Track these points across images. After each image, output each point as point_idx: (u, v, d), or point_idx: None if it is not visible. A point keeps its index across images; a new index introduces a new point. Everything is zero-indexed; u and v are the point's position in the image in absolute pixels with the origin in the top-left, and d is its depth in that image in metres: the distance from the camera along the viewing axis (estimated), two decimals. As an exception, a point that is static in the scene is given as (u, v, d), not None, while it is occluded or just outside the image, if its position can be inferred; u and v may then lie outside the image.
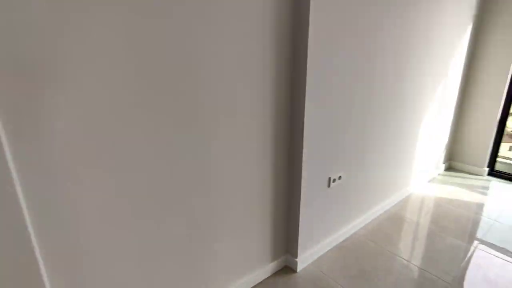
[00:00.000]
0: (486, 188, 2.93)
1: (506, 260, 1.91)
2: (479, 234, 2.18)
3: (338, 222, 2.03)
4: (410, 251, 2.01)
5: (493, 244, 2.06)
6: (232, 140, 1.35)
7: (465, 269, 1.83)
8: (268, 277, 1.77)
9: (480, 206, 2.58)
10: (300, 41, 1.42)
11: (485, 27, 2.90)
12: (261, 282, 1.73)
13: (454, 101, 3.01)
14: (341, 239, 2.09)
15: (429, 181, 3.05)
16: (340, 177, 1.88)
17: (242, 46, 1.25)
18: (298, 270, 1.81)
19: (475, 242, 2.09)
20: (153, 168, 1.12)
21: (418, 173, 2.82)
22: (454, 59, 2.71)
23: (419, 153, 2.71)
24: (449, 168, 3.38)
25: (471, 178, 3.13)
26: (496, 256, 1.94)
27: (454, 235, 2.16)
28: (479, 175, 3.19)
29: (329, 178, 1.81)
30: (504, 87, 2.88)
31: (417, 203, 2.63)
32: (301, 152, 1.57)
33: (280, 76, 1.44)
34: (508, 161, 3.29)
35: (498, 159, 3.16)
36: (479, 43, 2.96)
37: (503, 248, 2.02)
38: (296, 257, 1.80)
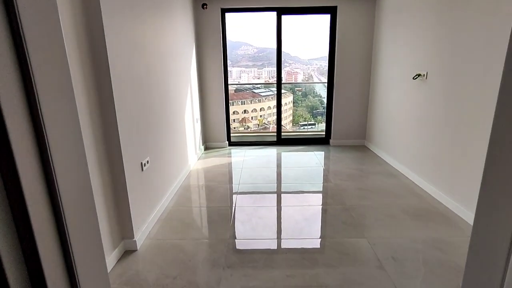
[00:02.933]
0: (230, 153, 4.36)
1: (253, 191, 3.18)
2: (236, 178, 3.38)
3: (155, 199, 2.46)
4: (207, 201, 2.82)
5: (246, 179, 3.31)
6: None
7: (236, 197, 2.89)
8: (114, 266, 1.91)
9: (231, 164, 3.90)
10: (101, 64, 1.71)
11: (200, 50, 4.24)
12: (109, 274, 1.85)
13: (198, 99, 4.18)
14: (160, 213, 2.53)
15: (198, 159, 4.07)
16: (148, 162, 2.31)
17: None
18: (138, 248, 2.08)
19: (237, 182, 3.25)
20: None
21: (191, 155, 3.72)
22: (191, 70, 3.79)
23: (189, 141, 3.60)
24: (206, 148, 4.61)
25: (221, 150, 4.51)
26: (249, 184, 3.18)
27: (226, 183, 3.22)
28: (224, 147, 4.63)
29: (141, 163, 2.20)
30: (222, 87, 4.39)
31: (197, 174, 3.52)
32: (120, 148, 1.86)
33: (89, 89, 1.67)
34: (236, 135, 4.99)
35: (231, 134, 4.74)
36: (200, 59, 4.28)
37: (251, 180, 3.30)
38: (133, 238, 2.06)
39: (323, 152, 4.35)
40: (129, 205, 1.99)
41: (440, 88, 2.68)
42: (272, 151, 4.42)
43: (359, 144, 4.60)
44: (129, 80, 2.01)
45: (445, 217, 2.42)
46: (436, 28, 2.72)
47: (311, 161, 3.93)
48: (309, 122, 8.51)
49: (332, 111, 4.54)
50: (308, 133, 5.16)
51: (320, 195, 2.93)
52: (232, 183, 3.24)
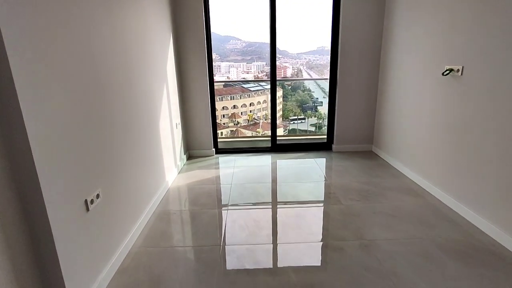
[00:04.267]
0: (218, 164, 3.72)
1: (246, 221, 2.55)
2: (225, 198, 2.75)
3: (112, 244, 1.80)
4: (185, 237, 2.18)
5: (236, 200, 2.68)
6: None
7: (224, 229, 2.26)
8: None
9: (219, 178, 3.26)
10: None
11: (180, 40, 3.55)
12: None
13: (177, 99, 3.50)
14: (121, 259, 1.88)
15: (179, 173, 3.41)
16: (98, 196, 1.65)
17: None
18: (80, 326, 1.44)
19: (226, 206, 2.61)
20: None
21: (169, 170, 3.06)
22: (168, 65, 3.11)
23: (165, 152, 2.94)
24: (190, 157, 3.95)
25: (206, 160, 3.85)
26: (240, 208, 2.55)
27: (211, 207, 2.58)
28: (210, 156, 3.98)
29: (86, 201, 1.54)
30: (206, 84, 3.72)
31: (176, 195, 2.87)
32: (38, 186, 1.20)
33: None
34: (224, 140, 4.32)
35: (218, 140, 4.08)
36: (180, 51, 3.59)
37: (243, 201, 2.68)
38: (72, 313, 1.41)
39: (325, 160, 3.76)
40: (61, 273, 1.33)
41: (480, 87, 2.09)
42: (266, 160, 3.80)
43: (366, 149, 4.02)
44: (55, 80, 1.34)
45: (501, 258, 1.84)
46: (476, 8, 2.12)
47: (312, 172, 3.33)
48: (299, 117, 8.11)
49: (334, 112, 3.93)
50: (307, 137, 4.53)
51: (330, 224, 2.33)
52: (219, 207, 2.60)
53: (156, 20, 2.80)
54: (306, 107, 8.13)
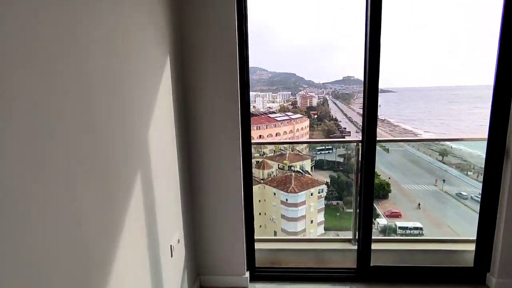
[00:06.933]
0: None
1: None
2: None
3: None
4: None
5: None
6: None
7: None
8: None
9: None
10: None
11: (186, 64, 1.79)
12: None
13: (178, 192, 1.65)
14: None
15: None
16: None
17: None
18: None
19: None
20: None
21: None
22: (154, 129, 1.32)
23: None
24: (201, 289, 2.02)
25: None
26: None
27: None
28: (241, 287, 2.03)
29: None
30: (239, 161, 1.87)
31: None
32: None
33: None
34: (265, 247, 2.35)
35: (256, 246, 2.18)
36: (186, 85, 1.82)
37: None
38: None
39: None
40: None
41: None
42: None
43: None
44: None
45: None
46: None
47: None
48: (326, 147, 7.89)
49: (496, 210, 1.92)
50: (427, 247, 2.40)
51: None
52: None
53: (136, 20, 1.05)
54: (334, 136, 8.15)
